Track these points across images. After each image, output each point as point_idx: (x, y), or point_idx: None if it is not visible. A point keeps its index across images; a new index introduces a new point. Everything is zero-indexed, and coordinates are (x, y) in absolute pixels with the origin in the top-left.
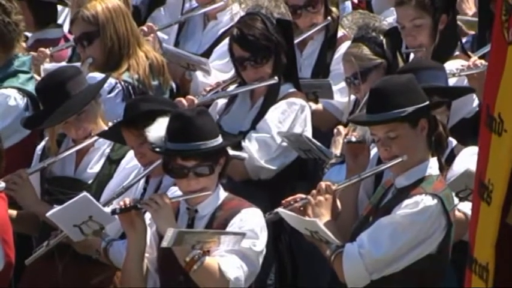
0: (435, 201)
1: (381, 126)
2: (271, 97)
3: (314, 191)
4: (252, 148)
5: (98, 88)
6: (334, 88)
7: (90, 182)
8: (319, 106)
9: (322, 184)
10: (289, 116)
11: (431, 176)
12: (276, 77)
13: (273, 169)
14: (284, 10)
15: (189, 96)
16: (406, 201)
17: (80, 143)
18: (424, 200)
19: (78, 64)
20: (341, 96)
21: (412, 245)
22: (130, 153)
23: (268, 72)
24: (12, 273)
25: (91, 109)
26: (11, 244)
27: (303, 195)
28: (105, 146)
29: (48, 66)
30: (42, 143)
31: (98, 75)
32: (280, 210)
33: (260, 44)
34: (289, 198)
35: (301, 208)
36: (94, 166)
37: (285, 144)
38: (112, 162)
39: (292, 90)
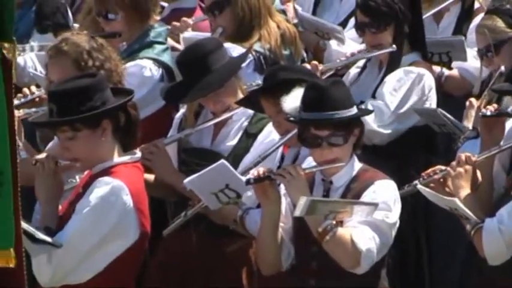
0: None
1: None
2: (393, 65)
3: (453, 163)
4: None
5: (239, 63)
6: (469, 53)
7: (226, 154)
8: (455, 72)
9: (462, 155)
10: (405, 84)
11: None
12: (394, 45)
13: (386, 133)
14: None
15: (314, 62)
16: None
17: (219, 116)
18: None
19: (205, 35)
20: (476, 61)
21: None
22: (268, 127)
23: (388, 40)
24: (147, 243)
25: (231, 83)
26: (146, 214)
27: (443, 167)
28: (243, 119)
29: (187, 35)
30: (181, 111)
31: (229, 45)
32: (419, 186)
33: (381, 11)
34: (429, 170)
35: (441, 180)
36: (231, 139)
37: (400, 111)
38: (249, 136)
39: (417, 60)
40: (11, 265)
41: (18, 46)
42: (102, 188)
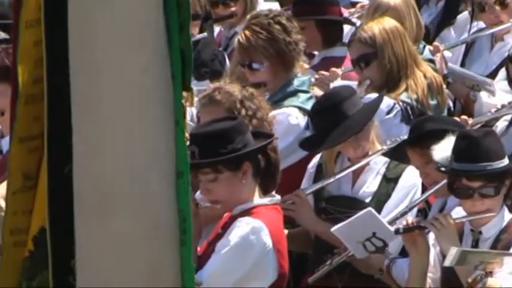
0: None
1: None
2: None
3: None
4: None
5: (375, 107)
6: None
7: (367, 200)
8: None
9: None
10: None
11: None
12: None
13: None
14: None
15: (464, 117)
16: None
17: (357, 162)
18: None
19: (352, 83)
20: None
21: None
22: (407, 172)
23: None
24: (285, 284)
25: (367, 128)
26: (285, 255)
27: None
28: (380, 165)
29: (337, 84)
30: (314, 161)
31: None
32: None
33: None
34: None
35: None
36: (370, 185)
37: None
38: (389, 181)
39: None
40: None
41: None
42: (242, 227)
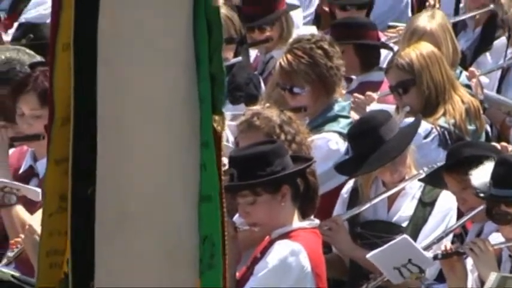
0: None
1: None
2: None
3: None
4: None
5: (413, 132)
6: None
7: (404, 225)
8: None
9: None
10: None
11: None
12: None
13: None
14: None
15: (504, 144)
16: None
17: (393, 186)
18: None
19: (390, 107)
20: None
21: None
22: (443, 196)
23: None
24: None
25: (405, 153)
26: (323, 279)
27: None
28: (415, 189)
29: (375, 107)
30: (348, 186)
31: None
32: None
33: None
34: None
35: None
36: (406, 209)
37: None
38: (425, 205)
39: None
40: None
41: None
42: (280, 250)
